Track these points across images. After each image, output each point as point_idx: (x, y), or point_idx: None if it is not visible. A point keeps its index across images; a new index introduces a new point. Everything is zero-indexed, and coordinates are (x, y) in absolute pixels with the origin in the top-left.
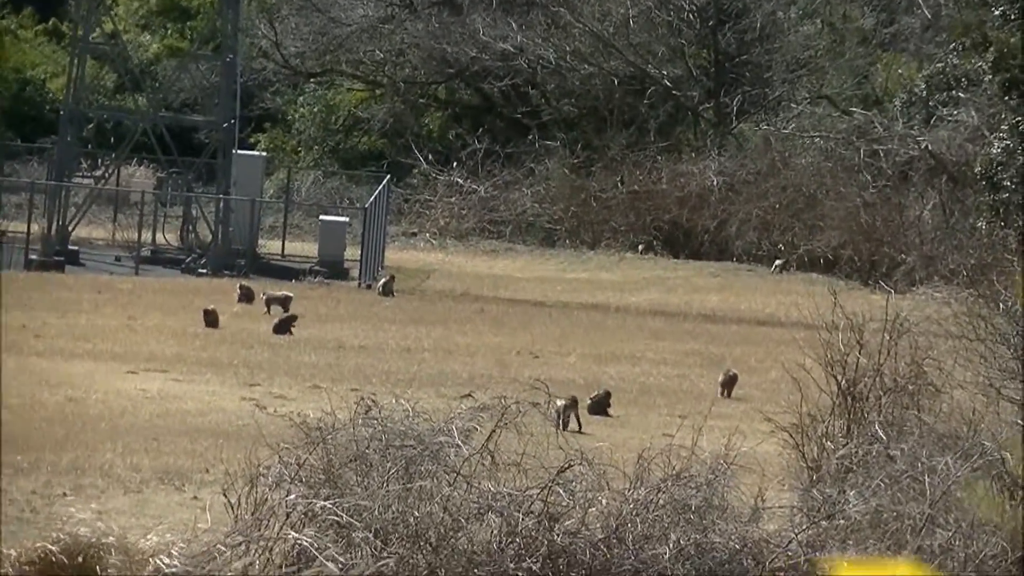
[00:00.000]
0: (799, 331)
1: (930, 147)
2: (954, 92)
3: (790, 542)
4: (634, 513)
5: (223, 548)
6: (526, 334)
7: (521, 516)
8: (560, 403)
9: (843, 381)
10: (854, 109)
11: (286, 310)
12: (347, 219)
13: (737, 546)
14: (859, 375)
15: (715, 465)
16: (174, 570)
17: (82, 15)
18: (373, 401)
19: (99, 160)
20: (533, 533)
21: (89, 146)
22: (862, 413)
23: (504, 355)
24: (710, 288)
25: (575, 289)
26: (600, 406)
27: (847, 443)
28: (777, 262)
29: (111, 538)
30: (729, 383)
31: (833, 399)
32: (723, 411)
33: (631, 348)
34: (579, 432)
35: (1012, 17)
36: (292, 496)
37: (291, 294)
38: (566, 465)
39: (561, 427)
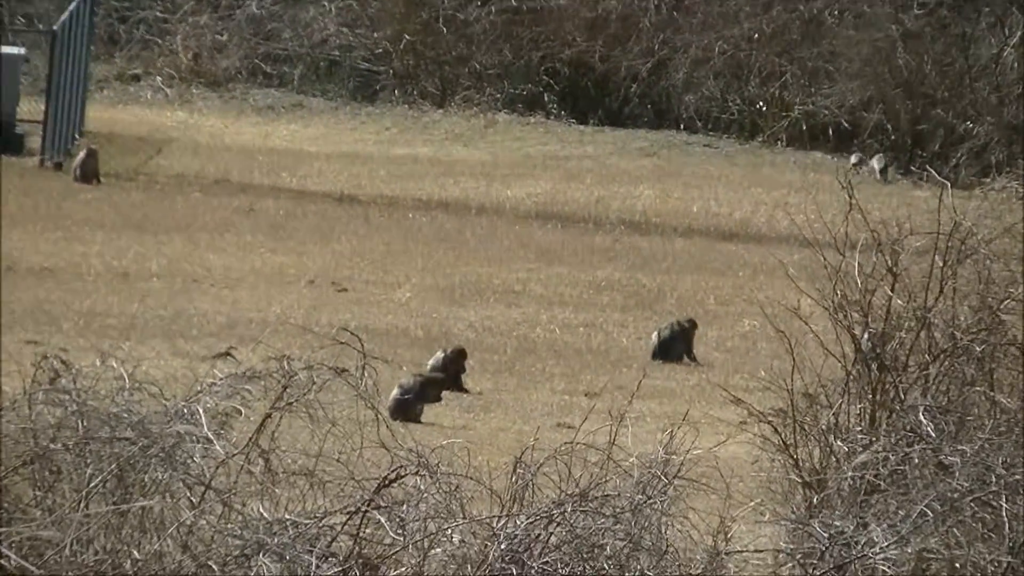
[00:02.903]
0: (789, 250)
1: None
2: None
3: None
4: (508, 558)
5: None
6: (326, 251)
7: (315, 560)
8: (413, 378)
9: (864, 337)
10: None
11: None
12: (22, 50)
13: None
14: (891, 328)
15: (646, 478)
16: None
17: None
18: (63, 363)
19: None
20: None
21: None
22: (896, 392)
23: (289, 286)
24: (640, 175)
25: (410, 175)
26: (447, 376)
27: (870, 442)
28: (876, 161)
29: None
30: (675, 338)
31: (847, 368)
32: (661, 385)
33: (505, 277)
34: (418, 421)
35: None
36: None
37: None
38: (393, 475)
39: (402, 415)
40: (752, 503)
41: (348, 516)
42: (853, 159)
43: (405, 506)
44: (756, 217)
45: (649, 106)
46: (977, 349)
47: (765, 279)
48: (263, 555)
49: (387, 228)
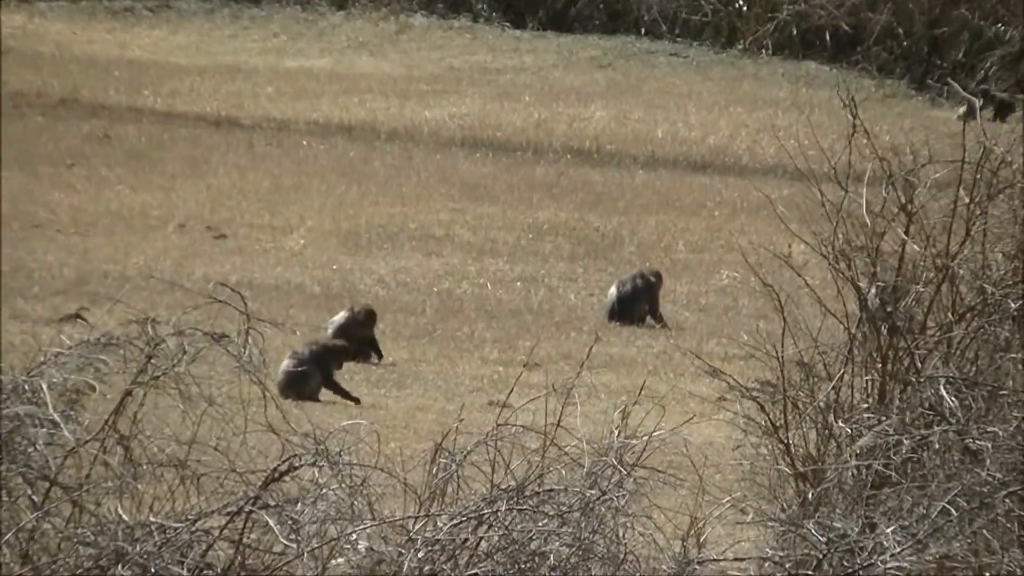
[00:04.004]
0: (777, 184)
1: None
2: None
3: None
4: (427, 568)
5: None
6: (199, 188)
7: (187, 573)
8: (309, 346)
9: (871, 292)
10: None
11: None
12: None
13: None
14: (905, 280)
15: (599, 469)
16: None
17: None
18: None
19: None
20: None
21: None
22: (911, 360)
23: (153, 231)
24: (590, 92)
25: (304, 92)
26: (351, 343)
27: (879, 423)
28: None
29: None
30: (636, 295)
31: (850, 330)
32: (618, 353)
33: (423, 219)
34: (315, 399)
35: None
36: None
37: None
38: (284, 466)
39: (296, 392)
40: (731, 498)
41: (229, 518)
42: (961, 110)
43: (299, 505)
44: (735, 143)
45: (601, 6)
46: (1012, 306)
47: (747, 220)
48: (122, 567)
49: (276, 159)
